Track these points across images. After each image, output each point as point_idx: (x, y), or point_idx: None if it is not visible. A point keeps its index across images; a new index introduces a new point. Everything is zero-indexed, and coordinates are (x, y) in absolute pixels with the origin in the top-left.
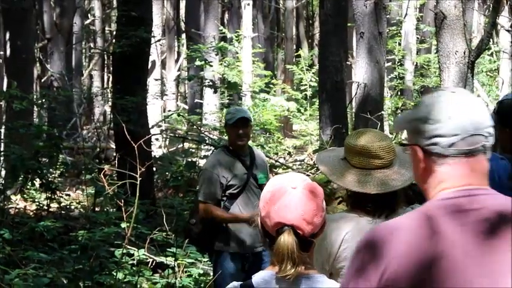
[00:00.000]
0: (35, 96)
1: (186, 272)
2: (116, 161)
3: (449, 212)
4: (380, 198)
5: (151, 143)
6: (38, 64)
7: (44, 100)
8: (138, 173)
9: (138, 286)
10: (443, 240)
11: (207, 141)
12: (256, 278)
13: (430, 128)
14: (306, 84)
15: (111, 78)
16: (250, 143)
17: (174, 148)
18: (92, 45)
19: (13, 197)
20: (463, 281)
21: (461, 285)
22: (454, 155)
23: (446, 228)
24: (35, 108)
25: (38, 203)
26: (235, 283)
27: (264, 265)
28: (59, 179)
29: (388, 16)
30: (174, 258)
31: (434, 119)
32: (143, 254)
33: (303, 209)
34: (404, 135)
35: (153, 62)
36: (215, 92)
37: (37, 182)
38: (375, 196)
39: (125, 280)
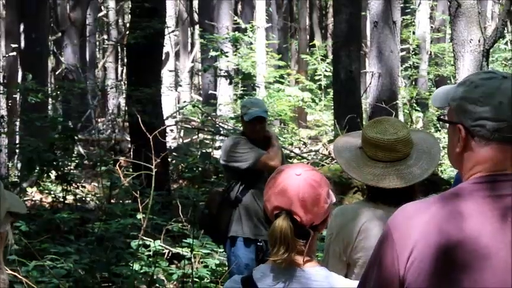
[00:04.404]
0: (49, 89)
1: (202, 262)
2: (131, 153)
3: (481, 196)
4: (397, 189)
5: (166, 135)
6: (52, 57)
7: (58, 93)
8: (154, 165)
9: (155, 277)
10: (471, 223)
11: (221, 132)
12: (256, 271)
13: (478, 110)
14: (321, 75)
15: (125, 71)
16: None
17: (189, 139)
18: (105, 37)
19: (29, 190)
20: (488, 267)
21: (486, 271)
22: (498, 140)
23: (476, 212)
24: (50, 101)
25: (53, 195)
26: (236, 277)
27: None
28: (75, 171)
29: (401, 5)
30: (190, 249)
31: (484, 101)
32: (159, 245)
33: (302, 196)
34: (419, 124)
35: (167, 54)
36: (230, 82)
37: (53, 174)
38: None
39: (141, 271)
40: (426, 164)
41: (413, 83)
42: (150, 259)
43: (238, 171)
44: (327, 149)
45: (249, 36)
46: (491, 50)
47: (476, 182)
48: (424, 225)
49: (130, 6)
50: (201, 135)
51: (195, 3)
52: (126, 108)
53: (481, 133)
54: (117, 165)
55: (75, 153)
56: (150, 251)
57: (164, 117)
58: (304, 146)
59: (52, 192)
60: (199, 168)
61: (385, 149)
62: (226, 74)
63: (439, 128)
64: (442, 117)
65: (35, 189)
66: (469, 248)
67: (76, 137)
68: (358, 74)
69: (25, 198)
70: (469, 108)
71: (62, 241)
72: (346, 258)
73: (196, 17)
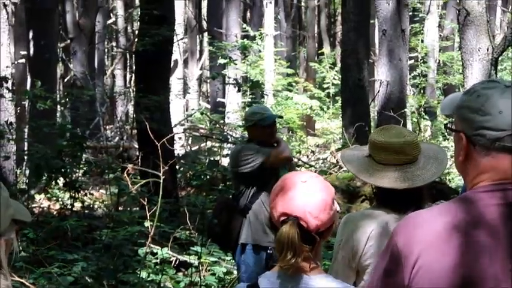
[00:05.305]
0: (58, 96)
1: (209, 270)
2: (139, 160)
3: (488, 204)
4: (406, 194)
5: (174, 142)
6: (60, 64)
7: (67, 100)
8: (161, 172)
9: (162, 285)
10: (478, 231)
11: (230, 140)
12: (262, 278)
13: (479, 119)
14: (329, 83)
15: (133, 78)
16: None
17: (197, 147)
18: (114, 44)
19: (37, 197)
20: (494, 275)
21: (492, 278)
22: (499, 149)
23: (482, 220)
24: (58, 108)
25: (61, 202)
26: (242, 285)
27: None
28: (83, 178)
29: (410, 13)
30: (197, 257)
31: (485, 111)
32: (166, 253)
33: (309, 203)
34: (427, 132)
35: (176, 61)
36: (239, 90)
37: (61, 181)
38: (401, 192)
39: (149, 279)
40: (435, 167)
41: (422, 91)
42: (158, 267)
43: (250, 174)
44: (334, 157)
45: (257, 44)
46: (499, 59)
47: (483, 190)
48: (430, 234)
49: (139, 13)
50: (209, 143)
51: (204, 11)
52: (135, 116)
53: (481, 142)
54: (125, 173)
55: (83, 160)
56: (157, 258)
57: (172, 125)
58: (312, 154)
59: (60, 199)
60: (207, 176)
61: (394, 151)
62: (234, 81)
63: (447, 137)
64: (449, 125)
65: (42, 196)
66: (475, 256)
67: (84, 144)
68: (366, 82)
69: (33, 205)
70: (470, 117)
71: (69, 248)
72: (356, 265)
73: (205, 24)
